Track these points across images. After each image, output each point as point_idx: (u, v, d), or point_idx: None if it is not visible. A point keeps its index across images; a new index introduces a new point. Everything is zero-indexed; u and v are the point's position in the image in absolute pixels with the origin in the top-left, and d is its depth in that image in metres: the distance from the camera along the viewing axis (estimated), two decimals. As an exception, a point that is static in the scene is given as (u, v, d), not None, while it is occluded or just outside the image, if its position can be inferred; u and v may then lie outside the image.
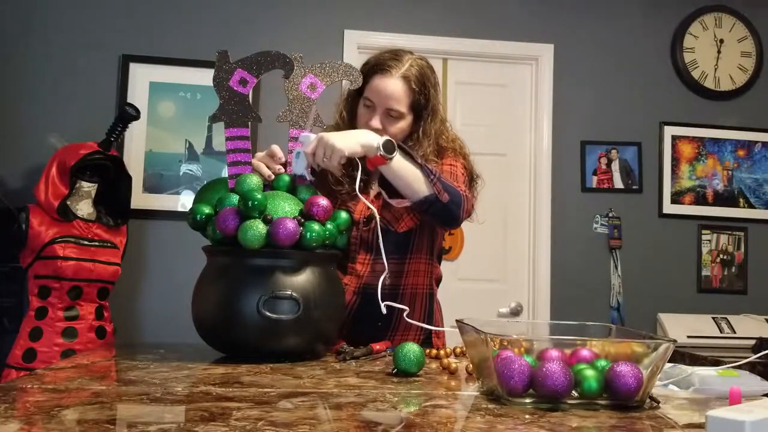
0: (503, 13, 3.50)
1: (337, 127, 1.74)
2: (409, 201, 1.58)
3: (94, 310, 2.70)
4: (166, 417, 0.90)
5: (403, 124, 1.71)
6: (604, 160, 3.51)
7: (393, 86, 1.67)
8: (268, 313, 1.31)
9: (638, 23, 3.60)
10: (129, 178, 2.88)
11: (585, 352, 1.08)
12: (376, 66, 1.70)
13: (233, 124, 1.50)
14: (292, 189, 1.51)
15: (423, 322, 1.69)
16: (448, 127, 1.81)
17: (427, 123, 1.72)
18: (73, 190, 2.71)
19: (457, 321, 1.18)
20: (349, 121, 1.76)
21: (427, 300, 1.77)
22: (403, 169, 1.54)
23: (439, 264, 1.87)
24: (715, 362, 2.54)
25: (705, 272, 3.56)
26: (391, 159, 1.50)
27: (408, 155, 1.56)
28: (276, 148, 1.56)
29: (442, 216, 1.60)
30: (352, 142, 1.50)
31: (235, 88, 1.49)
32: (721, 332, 3.33)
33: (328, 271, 1.45)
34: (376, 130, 1.63)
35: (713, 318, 3.40)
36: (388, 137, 1.54)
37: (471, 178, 1.78)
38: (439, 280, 1.85)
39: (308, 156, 1.50)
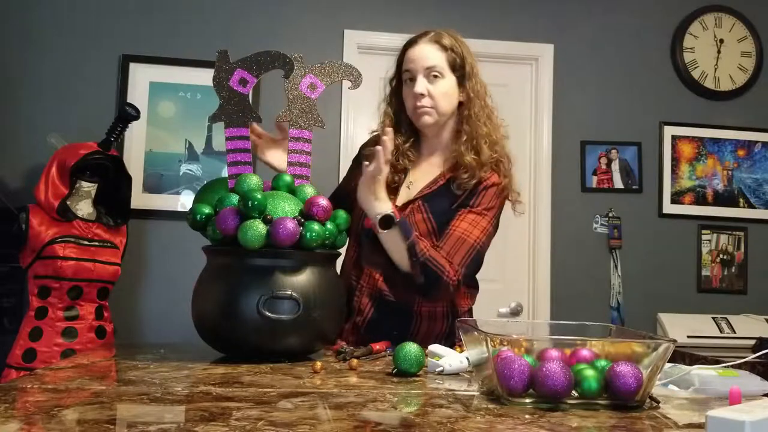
0: (503, 13, 3.50)
1: (391, 117, 1.78)
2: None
3: (94, 310, 2.70)
4: (166, 417, 0.90)
5: (446, 85, 1.72)
6: (604, 160, 3.51)
7: (425, 48, 1.72)
8: (268, 313, 1.31)
9: (638, 23, 3.59)
10: (129, 178, 2.88)
11: (585, 352, 1.08)
12: (405, 45, 1.76)
13: (233, 124, 1.50)
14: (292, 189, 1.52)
15: (443, 341, 1.64)
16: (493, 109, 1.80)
17: (471, 82, 1.75)
18: (73, 190, 2.71)
19: (457, 321, 1.18)
20: (399, 107, 1.78)
21: (446, 320, 1.72)
22: (393, 243, 1.58)
23: (476, 287, 1.81)
24: (715, 362, 2.54)
25: (705, 272, 3.55)
26: (382, 232, 1.56)
27: (406, 230, 1.58)
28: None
29: (420, 289, 1.62)
30: (365, 203, 1.58)
31: (235, 88, 1.49)
32: (721, 332, 3.33)
33: (328, 271, 1.45)
34: (420, 95, 1.68)
35: (713, 318, 3.40)
36: (389, 213, 1.55)
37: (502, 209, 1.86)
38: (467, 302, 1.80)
39: None
